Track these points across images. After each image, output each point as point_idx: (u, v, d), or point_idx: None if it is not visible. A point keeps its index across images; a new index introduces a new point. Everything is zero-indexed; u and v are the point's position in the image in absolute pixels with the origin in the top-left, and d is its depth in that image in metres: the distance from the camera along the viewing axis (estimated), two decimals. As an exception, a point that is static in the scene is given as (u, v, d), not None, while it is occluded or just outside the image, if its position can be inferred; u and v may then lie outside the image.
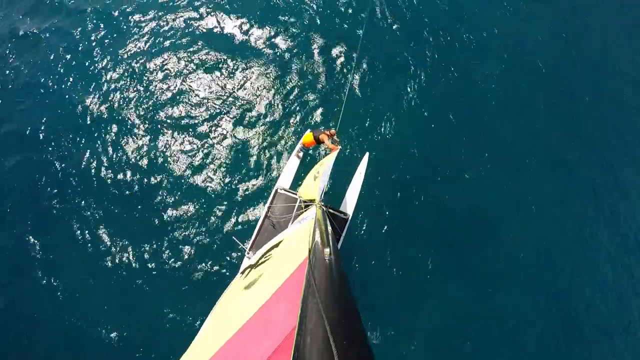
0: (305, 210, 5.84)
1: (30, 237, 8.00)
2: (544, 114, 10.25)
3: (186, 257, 7.70)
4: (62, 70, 9.75)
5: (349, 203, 6.92)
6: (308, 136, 7.07)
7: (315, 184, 5.37)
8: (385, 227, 8.21)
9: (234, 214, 8.04)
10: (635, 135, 10.54)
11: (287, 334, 1.65)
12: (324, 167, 5.67)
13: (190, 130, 8.92)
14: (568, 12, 11.71)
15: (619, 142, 10.38)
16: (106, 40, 10.05)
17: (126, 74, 9.59)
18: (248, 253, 6.15)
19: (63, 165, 8.67)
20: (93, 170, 8.55)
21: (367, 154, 7.45)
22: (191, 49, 9.81)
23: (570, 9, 11.77)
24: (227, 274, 7.39)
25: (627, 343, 8.62)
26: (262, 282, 2.59)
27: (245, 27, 10.15)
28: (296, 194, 6.47)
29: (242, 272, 3.57)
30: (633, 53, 11.50)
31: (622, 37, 11.68)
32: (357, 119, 9.17)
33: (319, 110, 9.17)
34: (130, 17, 10.37)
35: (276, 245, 3.62)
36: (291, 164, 7.58)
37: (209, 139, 8.83)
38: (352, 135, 8.94)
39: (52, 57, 9.90)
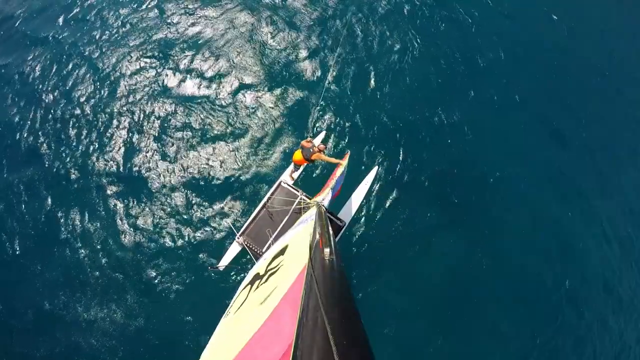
0: (305, 209, 5.87)
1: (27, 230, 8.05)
2: (539, 99, 10.40)
3: (182, 242, 7.81)
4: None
5: (348, 212, 6.92)
6: (297, 154, 6.47)
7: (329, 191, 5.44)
8: (384, 228, 8.22)
9: (232, 199, 8.21)
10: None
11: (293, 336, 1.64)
12: (341, 175, 5.69)
13: (188, 124, 9.03)
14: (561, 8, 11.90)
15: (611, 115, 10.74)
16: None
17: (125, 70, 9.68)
18: (238, 238, 6.21)
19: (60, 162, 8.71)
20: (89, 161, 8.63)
21: (376, 168, 7.53)
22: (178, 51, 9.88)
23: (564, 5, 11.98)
24: (217, 253, 7.42)
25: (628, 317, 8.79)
26: (274, 292, 2.59)
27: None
28: (298, 191, 6.49)
29: (250, 283, 3.54)
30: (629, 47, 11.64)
31: (617, 30, 11.84)
32: (362, 125, 9.18)
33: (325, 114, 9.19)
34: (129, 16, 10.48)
35: (282, 252, 3.61)
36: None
37: (211, 133, 8.93)
38: (361, 144, 8.97)
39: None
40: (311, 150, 6.19)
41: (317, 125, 8.85)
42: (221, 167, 8.54)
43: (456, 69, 10.27)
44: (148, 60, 9.80)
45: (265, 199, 6.61)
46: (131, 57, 9.84)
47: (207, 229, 7.91)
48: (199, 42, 10.02)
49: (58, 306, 7.40)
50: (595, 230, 9.32)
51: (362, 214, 8.15)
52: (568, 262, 8.90)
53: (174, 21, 10.34)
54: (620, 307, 8.94)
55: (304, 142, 6.43)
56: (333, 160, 6.23)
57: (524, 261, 8.61)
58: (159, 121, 9.06)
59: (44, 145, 8.94)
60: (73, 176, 8.54)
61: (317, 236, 2.79)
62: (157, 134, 8.92)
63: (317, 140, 7.64)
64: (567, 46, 11.32)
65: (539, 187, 9.42)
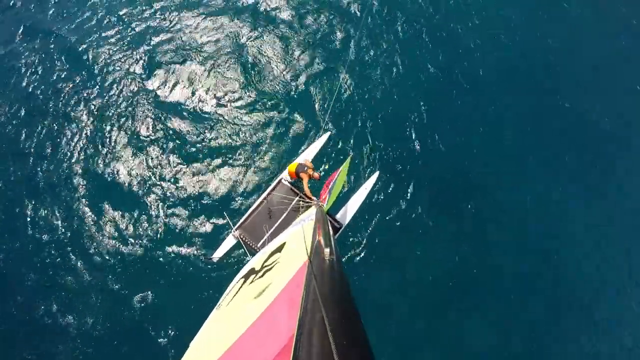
0: (304, 208, 5.88)
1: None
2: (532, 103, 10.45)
3: (181, 232, 7.90)
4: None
5: (346, 214, 6.90)
6: (292, 166, 6.55)
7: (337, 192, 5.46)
8: (384, 230, 8.25)
9: (230, 192, 8.31)
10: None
11: (291, 335, 1.64)
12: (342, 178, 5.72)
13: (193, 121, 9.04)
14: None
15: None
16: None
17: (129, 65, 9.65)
18: (234, 231, 6.21)
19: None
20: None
21: (377, 173, 7.56)
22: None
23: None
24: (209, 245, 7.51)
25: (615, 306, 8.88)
26: (270, 288, 2.58)
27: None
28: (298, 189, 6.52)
29: (245, 277, 3.55)
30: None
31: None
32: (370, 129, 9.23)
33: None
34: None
35: (279, 250, 3.61)
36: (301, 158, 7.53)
37: (212, 132, 8.95)
38: (363, 148, 9.02)
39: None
40: (306, 169, 6.33)
41: (324, 124, 8.85)
42: (220, 161, 8.57)
43: (455, 77, 10.33)
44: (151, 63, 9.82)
45: (264, 195, 6.61)
46: (136, 59, 9.84)
47: (204, 220, 7.97)
48: (204, 46, 10.05)
49: (47, 298, 7.44)
50: (593, 232, 9.33)
51: (362, 215, 8.16)
52: (566, 262, 8.92)
53: (180, 26, 10.32)
54: (616, 306, 8.97)
55: (306, 161, 6.59)
56: (307, 190, 6.26)
57: (521, 261, 8.65)
58: (158, 117, 9.05)
59: (34, 144, 8.90)
60: (54, 171, 8.57)
61: (317, 236, 2.79)
62: (154, 128, 8.92)
63: (321, 141, 7.67)
64: (563, 47, 11.37)
65: (535, 189, 9.44)
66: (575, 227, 9.24)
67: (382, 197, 8.54)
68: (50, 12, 10.73)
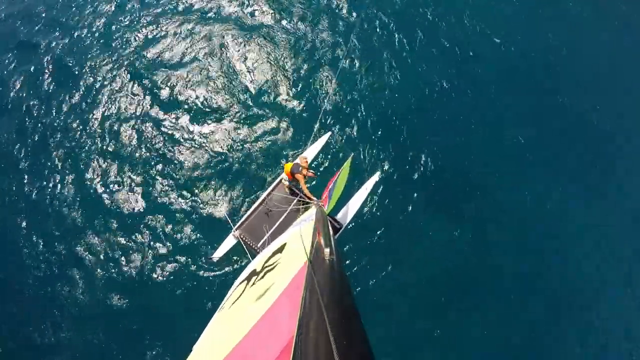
0: (304, 208, 5.88)
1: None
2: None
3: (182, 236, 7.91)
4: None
5: (347, 215, 6.91)
6: (287, 166, 6.45)
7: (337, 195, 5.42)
8: (384, 230, 8.25)
9: (231, 193, 8.35)
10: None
11: (291, 336, 1.65)
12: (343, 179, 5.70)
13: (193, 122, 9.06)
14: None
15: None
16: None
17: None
18: (234, 231, 6.26)
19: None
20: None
21: (377, 173, 7.56)
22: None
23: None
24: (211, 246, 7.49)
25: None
26: (272, 289, 2.59)
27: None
28: (298, 190, 6.53)
29: (247, 279, 3.55)
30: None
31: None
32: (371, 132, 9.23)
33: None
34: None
35: (280, 250, 3.61)
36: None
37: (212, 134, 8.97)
38: (363, 149, 9.02)
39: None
40: (300, 169, 6.19)
41: (324, 125, 8.84)
42: (220, 163, 8.58)
43: (455, 77, 10.32)
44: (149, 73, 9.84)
45: (264, 196, 6.64)
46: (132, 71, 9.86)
47: (204, 221, 7.99)
48: (198, 55, 10.06)
49: (48, 303, 7.45)
50: (593, 232, 9.32)
51: (362, 216, 8.16)
52: (566, 262, 8.92)
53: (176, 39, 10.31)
54: (616, 306, 8.97)
55: (301, 159, 6.45)
56: (306, 191, 6.16)
57: (521, 261, 8.64)
58: (153, 125, 9.07)
59: (29, 158, 8.95)
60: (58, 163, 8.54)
61: (317, 236, 2.80)
62: (149, 135, 8.93)
63: (322, 141, 7.65)
64: (563, 46, 11.36)
65: (535, 189, 9.43)
66: (575, 227, 9.23)
67: (382, 198, 8.54)
68: (40, 24, 10.76)
